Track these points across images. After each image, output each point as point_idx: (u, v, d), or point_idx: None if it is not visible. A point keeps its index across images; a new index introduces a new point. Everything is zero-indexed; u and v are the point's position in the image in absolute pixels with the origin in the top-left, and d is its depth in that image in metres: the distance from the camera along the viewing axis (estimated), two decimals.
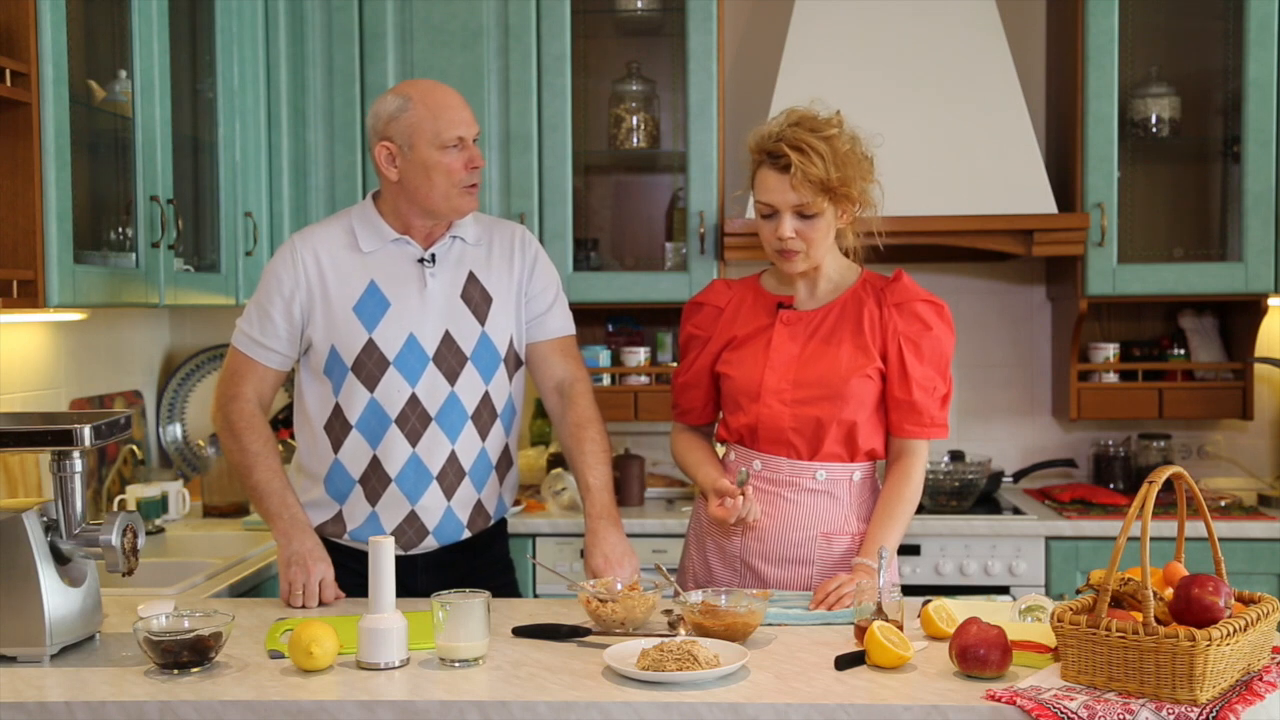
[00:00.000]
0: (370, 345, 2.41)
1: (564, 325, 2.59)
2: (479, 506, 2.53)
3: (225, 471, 3.53)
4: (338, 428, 2.45)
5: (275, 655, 2.02)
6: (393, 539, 2.02)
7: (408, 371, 2.42)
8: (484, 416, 2.49)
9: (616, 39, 3.92)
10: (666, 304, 3.67)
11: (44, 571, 2.03)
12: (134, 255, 2.90)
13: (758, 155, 2.37)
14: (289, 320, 2.45)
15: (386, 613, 1.97)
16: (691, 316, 2.55)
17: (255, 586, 2.85)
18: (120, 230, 2.92)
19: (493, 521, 2.58)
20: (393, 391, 2.42)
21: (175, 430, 3.82)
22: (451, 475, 2.47)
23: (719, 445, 2.58)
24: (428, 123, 2.37)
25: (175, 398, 3.83)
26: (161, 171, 2.98)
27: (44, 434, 2.07)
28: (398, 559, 2.44)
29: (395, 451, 2.43)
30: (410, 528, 2.47)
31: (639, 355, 3.80)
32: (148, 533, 3.16)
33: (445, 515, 2.48)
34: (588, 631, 2.13)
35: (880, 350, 2.39)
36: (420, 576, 2.49)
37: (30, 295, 2.52)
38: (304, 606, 2.37)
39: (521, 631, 2.14)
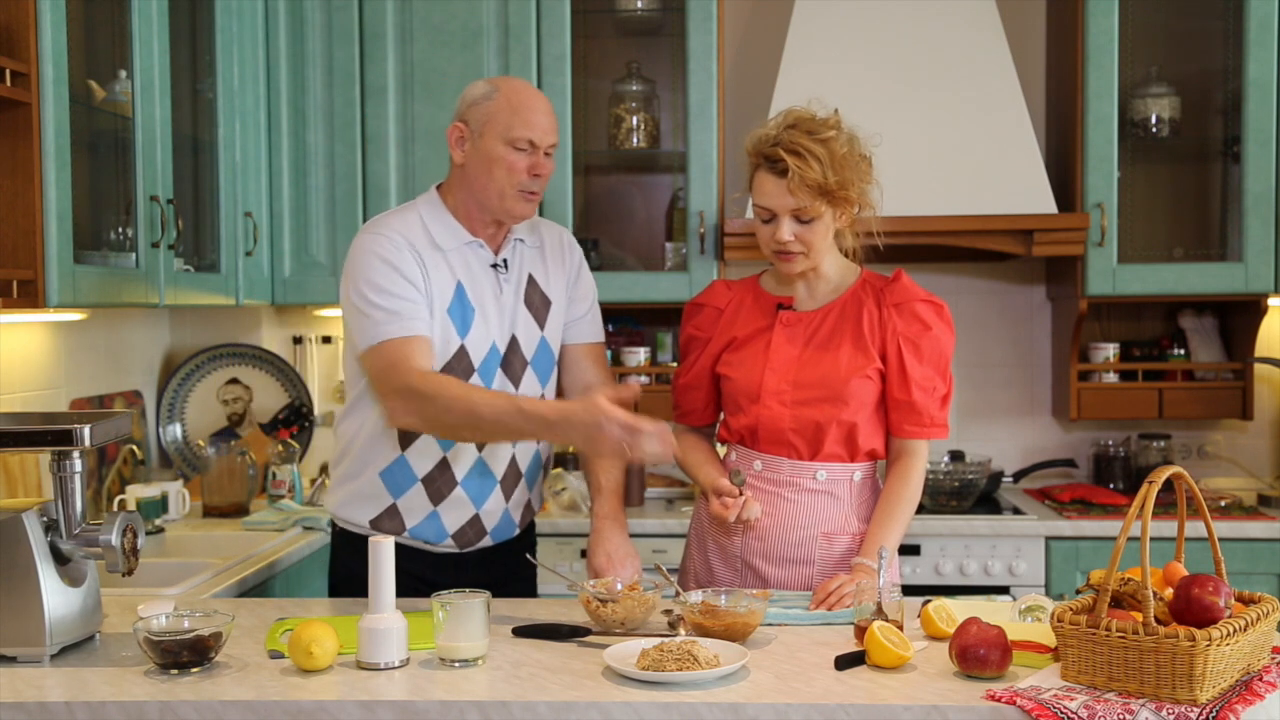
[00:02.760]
0: (462, 351, 2.39)
1: (599, 331, 2.61)
2: (528, 506, 2.56)
3: (225, 471, 3.53)
4: None
5: (275, 655, 2.02)
6: (393, 539, 2.01)
7: (485, 377, 2.41)
8: None
9: (616, 39, 3.92)
10: (666, 304, 3.67)
11: (44, 571, 2.03)
12: (134, 255, 2.90)
13: (755, 159, 2.36)
14: (420, 291, 2.33)
15: (386, 613, 1.97)
16: (691, 318, 2.55)
17: (255, 586, 2.85)
18: (120, 230, 2.92)
19: (531, 519, 2.62)
20: None
21: (175, 430, 3.82)
22: (511, 479, 2.48)
23: (720, 446, 2.58)
24: (504, 115, 2.35)
25: (175, 398, 3.83)
26: (161, 171, 2.98)
27: (44, 434, 2.07)
28: (451, 556, 2.48)
29: (465, 455, 2.43)
30: (471, 529, 2.47)
31: (639, 355, 3.80)
32: (148, 533, 3.15)
33: (503, 516, 2.49)
34: (588, 631, 2.13)
35: (880, 350, 2.39)
36: (471, 572, 2.48)
37: (30, 295, 2.52)
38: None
39: (521, 631, 2.14)
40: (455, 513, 2.45)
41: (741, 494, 2.36)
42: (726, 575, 2.47)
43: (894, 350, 2.38)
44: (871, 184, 2.37)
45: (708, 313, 2.53)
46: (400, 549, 2.46)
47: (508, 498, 2.49)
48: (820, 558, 2.42)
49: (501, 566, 2.51)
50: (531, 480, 2.55)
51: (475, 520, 2.46)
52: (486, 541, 2.50)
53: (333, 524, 2.57)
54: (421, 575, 2.43)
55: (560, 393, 2.62)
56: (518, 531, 2.55)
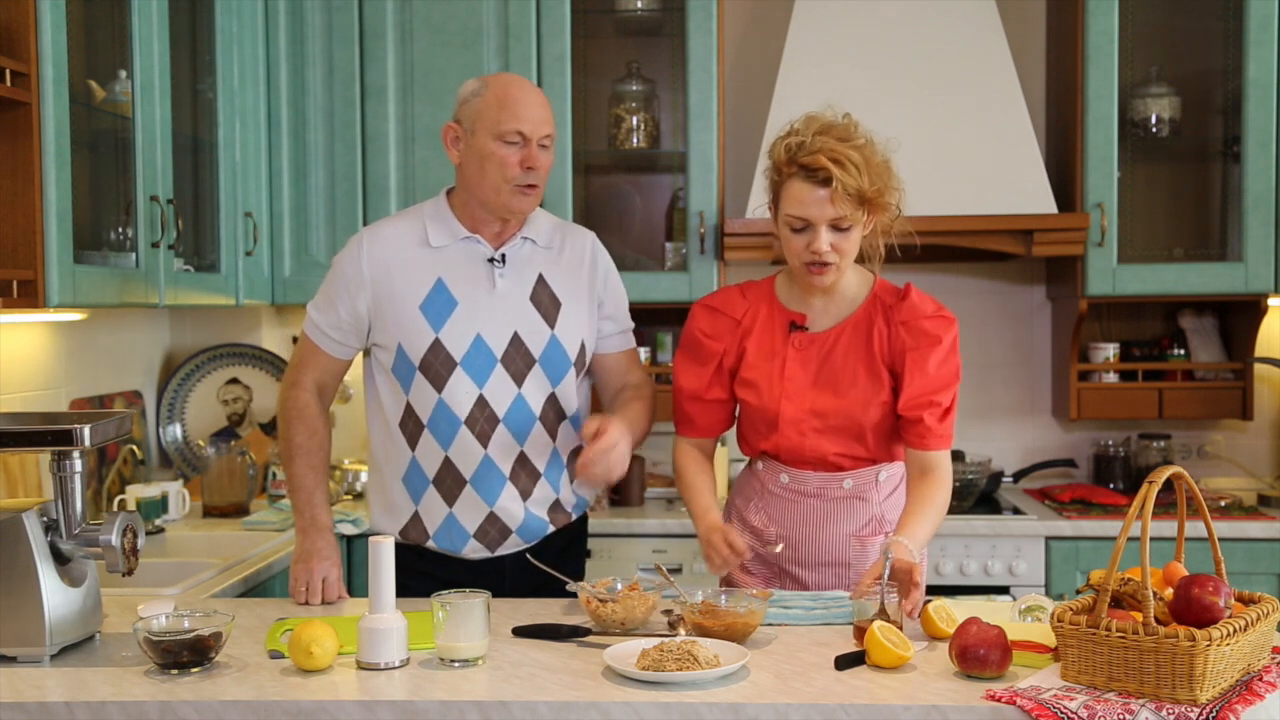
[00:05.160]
0: (437, 345, 2.40)
1: (628, 338, 2.61)
2: (558, 505, 2.52)
3: (225, 471, 3.53)
4: (411, 426, 2.44)
5: (275, 655, 2.02)
6: (393, 539, 2.01)
7: (475, 373, 2.41)
8: (551, 417, 2.47)
9: (616, 39, 3.92)
10: (666, 304, 3.67)
11: (44, 571, 2.03)
12: (134, 255, 2.90)
13: (787, 168, 2.28)
14: (354, 315, 2.45)
15: (386, 613, 1.97)
16: (702, 320, 2.47)
17: (255, 586, 2.85)
18: (120, 230, 2.92)
19: (574, 518, 2.58)
20: (460, 393, 2.40)
21: (175, 430, 3.82)
22: (525, 477, 2.46)
23: (741, 459, 2.55)
24: (492, 111, 2.34)
25: (175, 398, 3.83)
26: (161, 171, 2.98)
27: (44, 434, 2.07)
28: (486, 561, 2.47)
29: (468, 453, 2.42)
30: (492, 528, 2.46)
31: (639, 355, 3.78)
32: (148, 533, 3.15)
33: (526, 515, 2.47)
34: (588, 631, 2.13)
35: (888, 366, 2.37)
36: (508, 579, 2.47)
37: (30, 295, 2.52)
38: (306, 603, 2.38)
39: (521, 631, 2.14)
40: (470, 512, 2.45)
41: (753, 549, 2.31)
42: (764, 576, 2.47)
43: (901, 366, 2.36)
44: (898, 190, 2.32)
45: (724, 322, 2.45)
46: (439, 559, 2.48)
47: (525, 497, 2.46)
48: (854, 559, 2.42)
49: (538, 574, 2.41)
50: (556, 481, 2.50)
51: (493, 519, 2.45)
52: (516, 541, 2.48)
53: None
54: (459, 583, 2.38)
55: (595, 397, 2.62)
56: (551, 529, 2.52)
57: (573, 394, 2.51)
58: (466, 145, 2.39)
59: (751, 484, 2.51)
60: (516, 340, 2.43)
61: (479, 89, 2.38)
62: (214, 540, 3.24)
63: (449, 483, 2.44)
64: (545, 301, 2.46)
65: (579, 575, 2.58)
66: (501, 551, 2.49)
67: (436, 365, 2.40)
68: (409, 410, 2.44)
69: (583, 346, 2.50)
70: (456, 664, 1.96)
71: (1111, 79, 3.54)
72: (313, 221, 3.68)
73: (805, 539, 2.43)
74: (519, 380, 2.43)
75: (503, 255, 2.45)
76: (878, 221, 2.33)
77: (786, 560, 2.45)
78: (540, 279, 2.47)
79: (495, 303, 2.43)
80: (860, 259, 2.41)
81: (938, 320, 2.37)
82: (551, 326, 2.46)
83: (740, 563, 2.34)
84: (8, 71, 2.43)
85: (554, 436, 2.49)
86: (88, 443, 2.04)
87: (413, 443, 2.45)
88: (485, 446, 2.42)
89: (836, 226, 2.27)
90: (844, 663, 1.93)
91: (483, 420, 2.41)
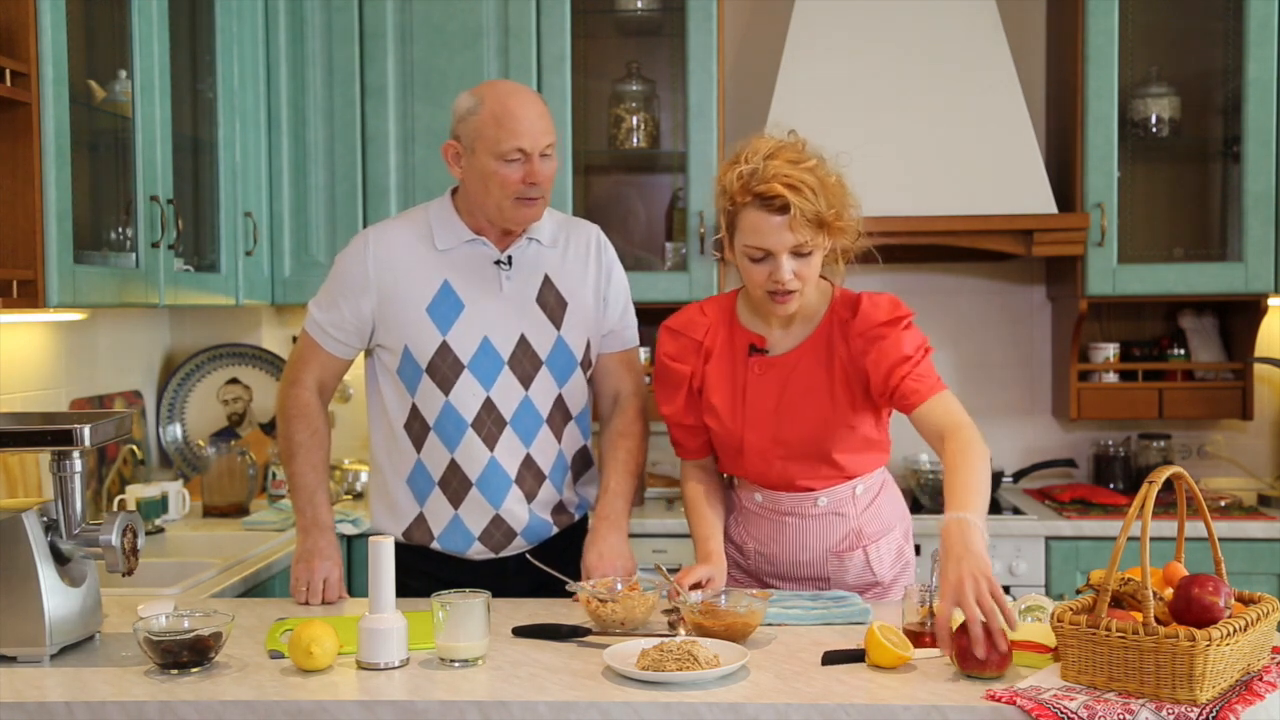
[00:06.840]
0: (444, 347, 2.39)
1: (632, 336, 2.59)
2: (561, 506, 2.52)
3: (225, 471, 3.53)
4: (417, 428, 2.44)
5: (275, 655, 2.02)
6: (392, 539, 2.01)
7: (482, 375, 2.40)
8: (557, 419, 2.47)
9: (616, 39, 3.92)
10: (666, 304, 3.66)
11: (44, 571, 2.03)
12: (134, 255, 2.90)
13: (741, 197, 2.19)
14: (357, 316, 2.44)
15: (386, 613, 1.97)
16: (667, 343, 2.42)
17: (255, 586, 2.85)
18: (120, 230, 2.92)
19: (576, 519, 2.57)
20: (467, 395, 2.40)
21: (175, 430, 3.82)
22: (530, 479, 2.45)
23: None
24: (490, 130, 2.31)
25: (175, 398, 3.83)
26: (161, 171, 2.98)
27: (44, 434, 2.07)
28: (489, 562, 2.47)
29: (474, 456, 2.41)
30: (497, 530, 2.46)
31: (640, 355, 3.78)
32: (148, 533, 3.16)
33: (531, 518, 2.47)
34: (588, 631, 2.13)
35: (853, 381, 2.30)
36: (511, 579, 2.46)
37: (30, 295, 2.52)
38: (306, 603, 2.38)
39: (521, 631, 2.14)
40: (476, 515, 2.44)
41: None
42: (748, 586, 2.46)
43: (868, 368, 2.28)
44: (855, 205, 2.25)
45: (687, 344, 2.40)
46: (443, 560, 2.48)
47: (530, 499, 2.46)
48: (833, 574, 2.41)
49: (542, 574, 2.39)
50: (560, 482, 2.50)
51: (498, 521, 2.45)
52: (521, 543, 2.48)
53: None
54: (462, 583, 2.35)
55: (597, 399, 2.61)
56: (555, 531, 2.52)
57: (579, 394, 2.51)
58: (468, 163, 2.37)
59: (730, 499, 2.50)
60: (524, 342, 2.43)
61: (474, 106, 2.34)
62: (214, 540, 3.24)
63: (455, 485, 2.43)
64: (551, 303, 2.46)
65: (580, 575, 2.57)
66: (506, 553, 2.48)
67: (444, 368, 2.40)
68: (415, 412, 2.43)
69: (588, 345, 2.50)
70: (456, 664, 1.96)
71: (1111, 79, 3.54)
72: (313, 221, 3.68)
73: (783, 555, 2.42)
74: (526, 383, 2.43)
75: (509, 257, 2.44)
76: (840, 242, 2.26)
77: (767, 574, 2.44)
78: (546, 280, 2.47)
79: (502, 305, 2.42)
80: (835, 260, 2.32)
81: (890, 318, 2.28)
82: (558, 328, 2.45)
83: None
84: (8, 71, 2.43)
85: (560, 438, 2.48)
86: (88, 443, 2.04)
87: (418, 444, 2.44)
88: (492, 449, 2.42)
89: (797, 253, 2.20)
90: (830, 659, 1.94)
91: (490, 423, 2.41)
